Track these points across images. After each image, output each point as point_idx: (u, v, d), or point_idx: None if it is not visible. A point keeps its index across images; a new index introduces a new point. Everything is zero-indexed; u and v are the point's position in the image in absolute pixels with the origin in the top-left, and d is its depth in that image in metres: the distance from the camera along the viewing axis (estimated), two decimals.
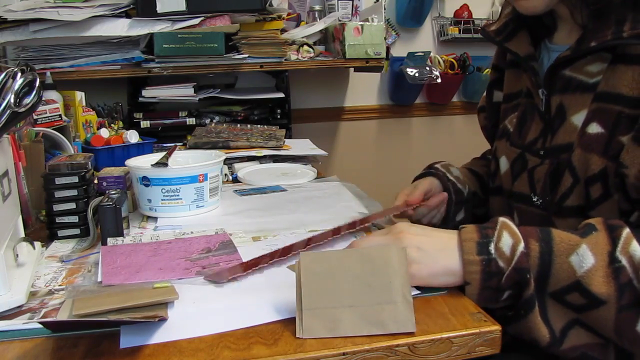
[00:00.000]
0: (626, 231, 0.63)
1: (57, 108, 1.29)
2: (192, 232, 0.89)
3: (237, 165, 1.36)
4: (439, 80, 2.06)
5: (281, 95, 1.85)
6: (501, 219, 0.68)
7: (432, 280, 0.65)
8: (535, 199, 0.83)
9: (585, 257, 0.62)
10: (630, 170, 0.69)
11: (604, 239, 0.63)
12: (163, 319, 0.59)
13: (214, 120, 1.77)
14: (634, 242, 0.62)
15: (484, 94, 1.05)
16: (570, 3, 0.76)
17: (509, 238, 0.65)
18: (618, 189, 0.71)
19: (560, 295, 0.63)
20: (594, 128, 0.73)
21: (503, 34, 0.87)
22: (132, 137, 1.42)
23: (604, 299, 0.61)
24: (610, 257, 0.62)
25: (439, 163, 1.07)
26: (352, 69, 2.15)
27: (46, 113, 1.24)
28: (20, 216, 0.81)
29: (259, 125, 1.65)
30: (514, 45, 0.85)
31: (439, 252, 0.66)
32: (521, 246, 0.64)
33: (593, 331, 0.64)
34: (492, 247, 0.64)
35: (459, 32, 2.18)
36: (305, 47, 1.79)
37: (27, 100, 0.68)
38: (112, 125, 1.53)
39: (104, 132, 1.40)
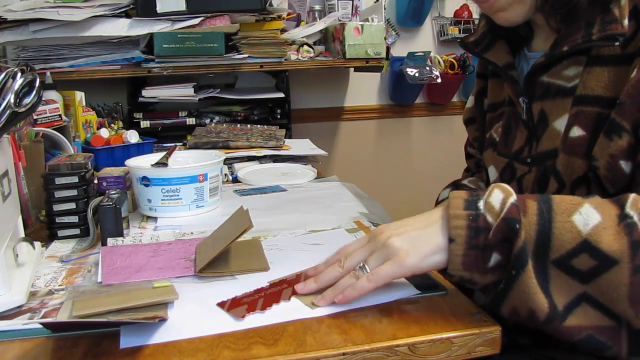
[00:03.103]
0: (632, 195, 0.59)
1: (57, 108, 1.29)
2: (192, 233, 0.89)
3: (237, 165, 1.36)
4: (439, 80, 2.06)
5: (281, 95, 1.85)
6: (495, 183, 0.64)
7: (424, 263, 0.60)
8: None
9: (589, 215, 0.57)
10: (599, 162, 0.68)
11: (609, 203, 0.59)
12: (163, 320, 0.59)
13: (214, 120, 1.77)
14: None
15: (469, 105, 1.02)
16: (544, 11, 0.76)
17: (499, 193, 0.60)
18: (597, 188, 0.70)
19: (566, 260, 0.57)
20: (576, 132, 0.73)
21: (481, 45, 0.87)
22: (132, 137, 1.42)
23: (617, 257, 0.55)
24: (620, 215, 0.57)
25: (462, 180, 1.01)
26: (352, 69, 2.15)
27: (46, 113, 1.25)
28: (20, 216, 0.81)
29: (258, 125, 1.65)
30: (492, 56, 0.85)
31: (424, 231, 0.62)
32: (512, 198, 0.59)
33: (603, 310, 0.57)
34: (481, 203, 0.60)
35: (459, 32, 2.18)
36: (305, 47, 1.79)
37: (27, 100, 0.67)
38: (112, 125, 1.53)
39: (104, 132, 1.40)
